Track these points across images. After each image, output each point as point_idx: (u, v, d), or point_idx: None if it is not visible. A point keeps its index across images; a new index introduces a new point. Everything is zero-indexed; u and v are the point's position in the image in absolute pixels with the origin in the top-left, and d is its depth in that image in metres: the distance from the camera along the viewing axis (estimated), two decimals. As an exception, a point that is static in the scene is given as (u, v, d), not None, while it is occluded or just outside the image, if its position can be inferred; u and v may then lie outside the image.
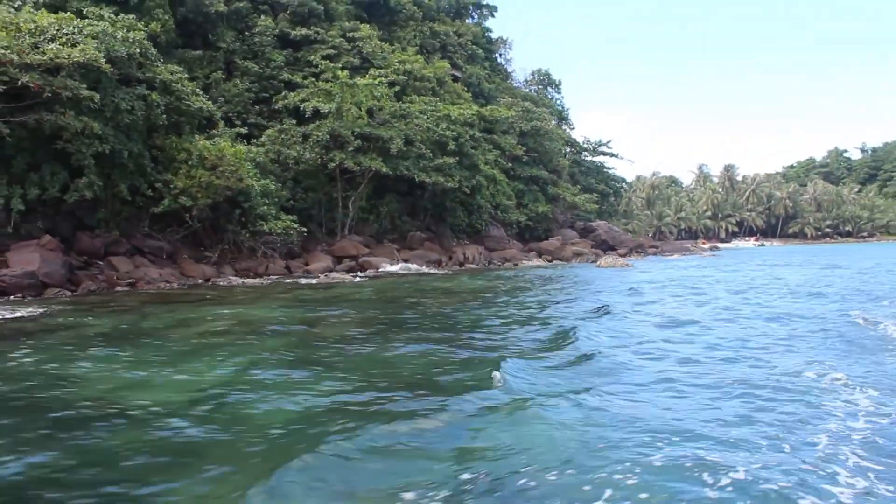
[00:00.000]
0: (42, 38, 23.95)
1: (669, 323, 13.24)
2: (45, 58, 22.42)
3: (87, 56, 22.97)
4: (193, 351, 9.91)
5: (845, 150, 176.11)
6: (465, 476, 4.63)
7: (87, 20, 26.29)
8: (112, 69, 24.90)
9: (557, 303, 18.48)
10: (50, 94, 22.71)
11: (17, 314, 15.61)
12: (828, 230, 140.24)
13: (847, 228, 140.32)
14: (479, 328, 12.82)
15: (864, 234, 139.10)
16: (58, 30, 24.43)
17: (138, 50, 27.21)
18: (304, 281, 28.10)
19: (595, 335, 11.06)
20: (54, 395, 7.04)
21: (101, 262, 26.06)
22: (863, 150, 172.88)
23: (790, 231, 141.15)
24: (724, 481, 4.44)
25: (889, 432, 5.65)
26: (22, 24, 23.34)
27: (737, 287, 23.79)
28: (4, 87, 21.84)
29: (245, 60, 37.90)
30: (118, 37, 26.41)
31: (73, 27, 24.81)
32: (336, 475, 4.58)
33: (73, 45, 24.00)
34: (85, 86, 23.70)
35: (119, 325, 13.03)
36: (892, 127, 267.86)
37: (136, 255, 27.57)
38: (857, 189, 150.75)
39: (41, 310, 16.40)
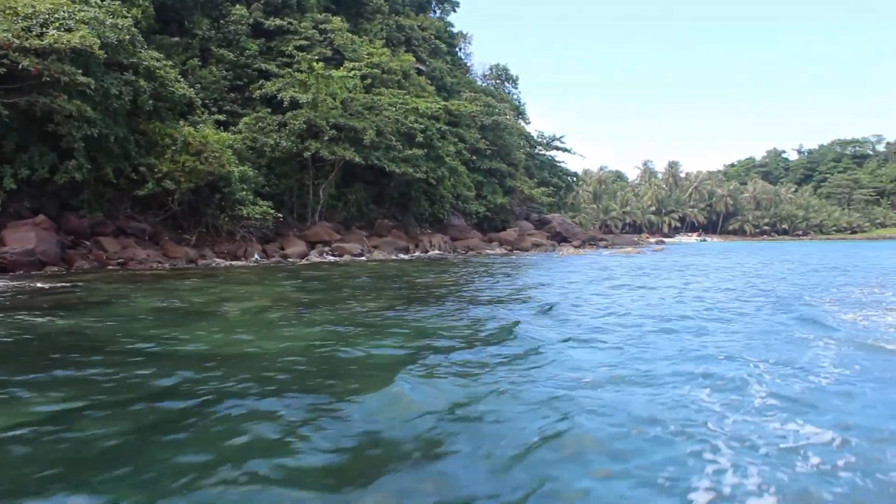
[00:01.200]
0: (34, 21, 24.70)
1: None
2: (44, 42, 23.23)
3: (86, 42, 23.82)
4: (260, 321, 11.35)
5: (783, 151, 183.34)
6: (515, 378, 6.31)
7: (77, 6, 26.96)
8: (104, 55, 25.77)
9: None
10: (48, 78, 23.55)
11: (49, 285, 16.73)
12: (766, 228, 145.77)
13: (784, 227, 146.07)
14: (491, 299, 14.48)
15: (799, 232, 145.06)
16: (50, 14, 25.16)
17: (127, 36, 28.05)
18: (291, 262, 29.45)
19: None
20: (191, 349, 8.46)
21: (87, 242, 26.92)
22: (800, 152, 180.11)
23: (730, 228, 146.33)
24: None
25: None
26: (20, 8, 24.00)
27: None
28: (4, 70, 22.68)
29: (220, 48, 38.74)
30: (107, 23, 27.22)
31: (66, 12, 25.56)
32: (428, 386, 6.22)
33: (68, 30, 24.81)
34: (81, 71, 24.58)
35: (162, 301, 14.21)
36: (828, 130, 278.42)
37: (120, 236, 28.45)
38: (793, 189, 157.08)
39: (65, 283, 17.50)
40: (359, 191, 41.15)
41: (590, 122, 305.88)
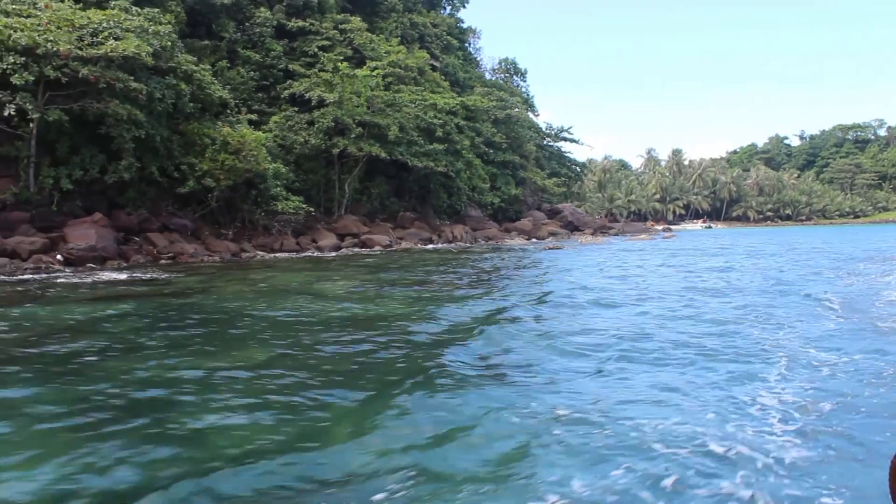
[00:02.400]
0: (86, 31, 26.25)
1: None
2: (101, 52, 24.81)
3: (141, 50, 25.44)
4: (361, 296, 13.07)
5: (785, 137, 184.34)
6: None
7: (123, 14, 28.50)
8: (151, 61, 27.38)
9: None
10: (104, 85, 25.15)
11: (133, 276, 18.43)
12: (769, 214, 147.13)
13: (787, 212, 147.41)
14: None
15: (803, 217, 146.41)
16: (101, 24, 26.71)
17: (169, 42, 29.63)
18: (328, 254, 31.17)
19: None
20: (331, 315, 10.17)
21: (136, 238, 28.58)
22: (801, 138, 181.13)
23: (734, 214, 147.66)
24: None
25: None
26: (76, 20, 25.55)
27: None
28: (66, 79, 24.30)
29: (246, 50, 40.28)
30: (150, 30, 28.80)
31: (114, 22, 27.12)
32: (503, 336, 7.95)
33: (116, 39, 26.39)
34: (132, 78, 26.20)
35: (256, 286, 15.88)
36: (829, 115, 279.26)
37: (164, 232, 30.09)
38: (796, 175, 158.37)
39: (156, 275, 19.22)
40: (381, 184, 42.77)
41: (591, 111, 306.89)
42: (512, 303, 11.54)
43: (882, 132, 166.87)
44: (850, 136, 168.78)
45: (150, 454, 4.44)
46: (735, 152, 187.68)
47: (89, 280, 17.95)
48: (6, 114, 23.79)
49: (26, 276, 19.74)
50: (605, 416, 5.18)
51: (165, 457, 4.41)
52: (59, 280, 18.29)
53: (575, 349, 7.68)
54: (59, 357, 7.55)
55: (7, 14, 25.21)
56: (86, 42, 25.47)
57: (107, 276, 19.02)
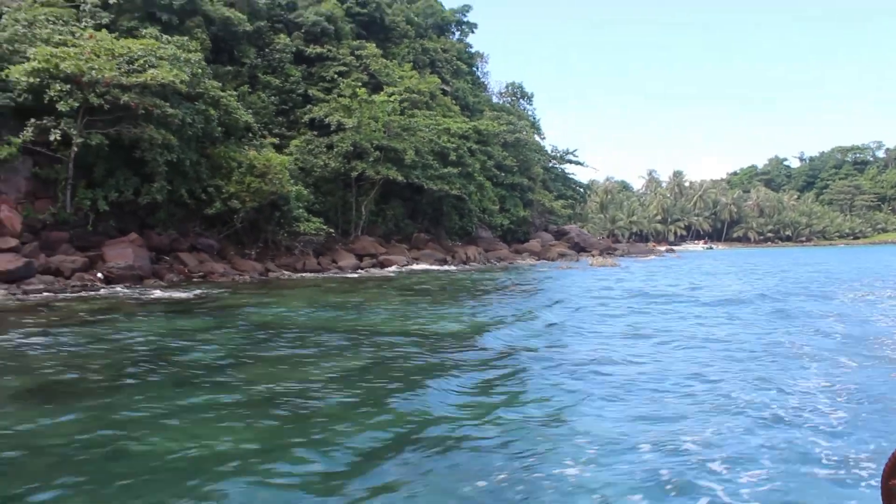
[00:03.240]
0: (122, 59, 27.47)
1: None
2: (141, 79, 26.04)
3: (178, 77, 26.69)
4: (416, 312, 14.25)
5: (785, 159, 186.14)
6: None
7: (157, 43, 29.78)
8: (185, 88, 28.64)
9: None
10: (143, 111, 26.36)
11: (186, 295, 19.54)
12: (770, 234, 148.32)
13: (787, 233, 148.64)
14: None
15: (803, 238, 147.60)
16: (136, 53, 27.92)
17: (199, 70, 30.90)
18: (352, 275, 32.44)
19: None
20: (393, 327, 11.32)
21: (167, 258, 29.68)
22: (801, 159, 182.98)
23: (735, 235, 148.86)
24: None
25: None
26: (117, 50, 26.80)
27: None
28: (108, 105, 25.52)
29: (266, 75, 41.59)
30: (182, 58, 30.07)
31: (149, 51, 28.37)
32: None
33: (152, 67, 27.63)
34: (168, 104, 27.44)
35: (304, 302, 17.11)
36: (828, 137, 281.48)
37: (193, 252, 31.18)
38: (796, 196, 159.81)
39: (197, 291, 20.31)
40: (396, 207, 43.95)
41: (591, 131, 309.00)
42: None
43: (881, 154, 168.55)
44: (849, 158, 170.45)
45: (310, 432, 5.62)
46: (735, 173, 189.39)
47: (145, 297, 19.09)
48: (52, 139, 24.95)
49: (78, 293, 20.84)
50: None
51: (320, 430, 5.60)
52: (118, 296, 19.41)
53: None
54: (197, 364, 8.77)
55: (54, 44, 26.47)
56: (125, 70, 26.69)
57: (157, 293, 20.14)
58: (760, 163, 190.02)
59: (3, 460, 5.20)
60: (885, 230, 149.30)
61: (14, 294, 20.36)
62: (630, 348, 10.30)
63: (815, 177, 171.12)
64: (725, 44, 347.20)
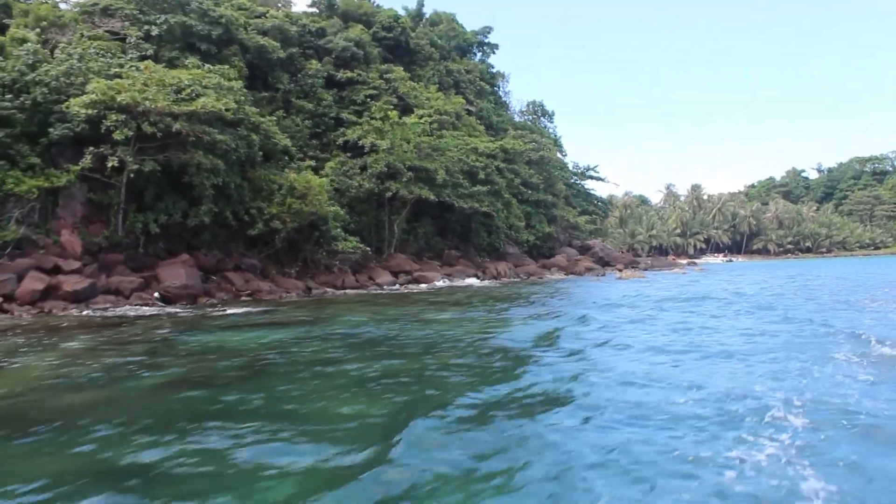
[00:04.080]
0: (170, 88, 28.83)
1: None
2: (192, 108, 27.38)
3: (228, 106, 28.05)
4: (488, 322, 15.36)
5: (803, 170, 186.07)
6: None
7: (202, 72, 31.17)
8: (231, 115, 29.99)
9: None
10: (194, 138, 27.70)
11: (256, 310, 20.78)
12: (789, 246, 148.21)
13: (807, 245, 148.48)
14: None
15: (823, 249, 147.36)
16: (179, 82, 29.27)
17: (242, 97, 32.26)
18: (392, 290, 33.67)
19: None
20: (471, 339, 12.48)
21: (214, 277, 30.88)
22: (819, 171, 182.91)
23: (754, 247, 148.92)
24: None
25: None
26: (167, 80, 28.18)
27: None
28: (161, 133, 26.86)
29: (299, 100, 42.98)
30: (225, 87, 31.44)
31: (196, 81, 29.75)
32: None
33: (198, 96, 28.98)
34: (217, 131, 28.77)
35: (371, 315, 18.45)
36: (846, 148, 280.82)
37: (237, 271, 32.37)
38: (815, 207, 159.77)
39: (261, 308, 21.51)
40: (426, 225, 45.12)
41: (608, 145, 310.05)
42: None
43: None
44: (867, 169, 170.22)
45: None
46: (753, 186, 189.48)
47: (215, 314, 20.30)
48: (109, 166, 26.27)
49: (139, 311, 22.06)
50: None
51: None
52: (187, 315, 20.61)
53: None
54: (320, 358, 10.25)
55: (108, 76, 27.91)
56: (174, 99, 28.04)
57: (229, 311, 21.35)
58: (778, 175, 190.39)
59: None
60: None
61: (90, 312, 21.66)
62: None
63: (833, 188, 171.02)
64: (737, 56, 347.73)
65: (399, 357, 11.27)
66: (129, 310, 23.05)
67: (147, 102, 26.43)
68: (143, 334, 15.48)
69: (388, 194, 39.84)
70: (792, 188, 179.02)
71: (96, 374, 10.18)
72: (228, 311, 21.17)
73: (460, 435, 6.48)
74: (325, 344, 13.16)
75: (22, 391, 9.01)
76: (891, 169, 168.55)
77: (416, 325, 15.97)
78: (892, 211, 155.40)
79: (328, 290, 33.11)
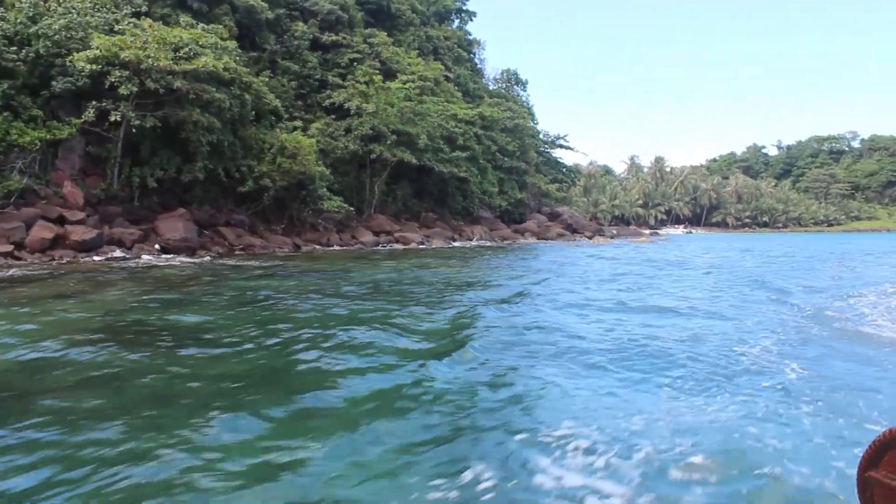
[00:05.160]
0: (169, 46, 29.62)
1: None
2: (192, 66, 28.29)
3: (227, 66, 29.00)
4: (486, 270, 16.98)
5: (763, 147, 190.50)
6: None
7: (200, 33, 31.92)
8: (228, 75, 30.91)
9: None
10: (194, 96, 28.65)
11: (263, 263, 22.23)
12: (747, 220, 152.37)
13: (764, 219, 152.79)
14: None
15: (779, 225, 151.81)
16: (180, 41, 30.06)
17: (237, 57, 33.12)
18: (379, 249, 35.42)
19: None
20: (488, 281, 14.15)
21: (207, 232, 31.98)
22: (779, 147, 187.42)
23: (714, 220, 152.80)
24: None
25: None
26: (169, 39, 28.97)
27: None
28: (163, 90, 27.77)
29: (285, 61, 43.74)
30: (220, 47, 32.26)
31: (194, 40, 30.54)
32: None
33: (196, 55, 29.83)
34: (216, 90, 29.71)
35: (379, 268, 20.24)
36: (806, 126, 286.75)
37: (228, 227, 33.49)
38: (773, 183, 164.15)
39: (266, 262, 22.91)
40: (405, 187, 46.47)
41: (573, 116, 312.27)
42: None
43: (856, 144, 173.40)
44: (825, 147, 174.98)
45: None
46: (715, 160, 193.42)
47: (229, 263, 21.71)
48: (111, 120, 27.19)
49: (159, 262, 23.29)
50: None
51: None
52: (201, 264, 21.92)
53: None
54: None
55: (114, 33, 28.66)
56: (174, 58, 28.87)
57: (231, 262, 22.74)
58: (739, 150, 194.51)
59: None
60: (858, 218, 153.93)
61: (110, 259, 22.87)
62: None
63: (791, 165, 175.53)
64: (703, 31, 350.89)
65: (438, 288, 14.29)
66: (137, 259, 24.25)
67: (150, 60, 27.26)
68: (199, 277, 17.04)
69: (373, 156, 41.04)
70: (752, 164, 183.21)
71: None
72: (239, 264, 22.46)
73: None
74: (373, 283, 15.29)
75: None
76: (847, 149, 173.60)
77: (432, 271, 18.30)
78: (846, 189, 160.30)
79: (316, 246, 34.46)
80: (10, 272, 18.08)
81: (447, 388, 6.20)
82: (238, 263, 22.55)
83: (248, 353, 7.86)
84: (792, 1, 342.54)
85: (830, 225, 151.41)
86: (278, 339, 8.66)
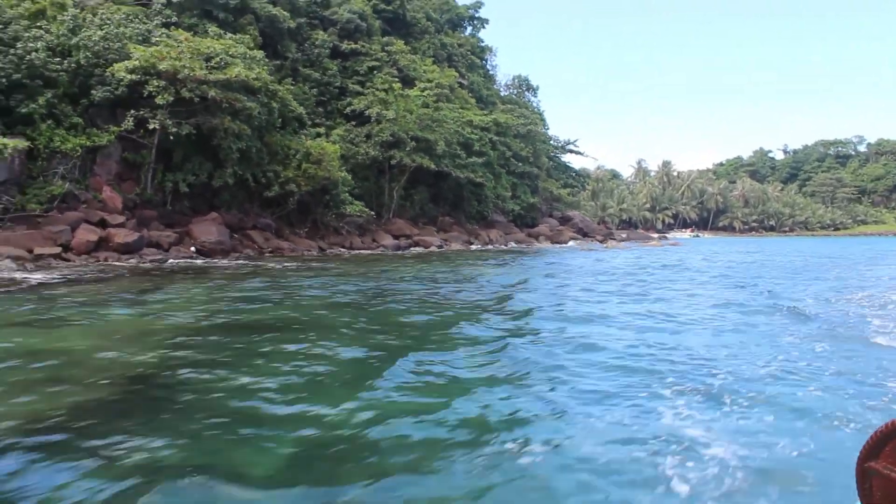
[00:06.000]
0: (200, 56, 30.82)
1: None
2: (225, 76, 29.50)
3: (259, 76, 30.23)
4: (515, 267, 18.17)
5: (770, 151, 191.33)
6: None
7: (231, 43, 33.12)
8: (258, 84, 32.13)
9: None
10: (227, 105, 29.86)
11: (299, 265, 23.48)
12: (754, 224, 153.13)
13: (771, 223, 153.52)
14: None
15: (786, 229, 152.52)
16: (213, 51, 31.26)
17: (265, 67, 34.33)
18: (400, 252, 36.68)
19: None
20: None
21: (236, 235, 33.16)
22: (785, 152, 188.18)
23: (720, 224, 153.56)
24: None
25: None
26: (203, 49, 30.18)
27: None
28: (198, 99, 28.97)
29: (306, 68, 44.95)
30: (248, 56, 33.47)
31: (224, 50, 31.75)
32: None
33: (226, 65, 31.03)
34: (247, 98, 30.93)
35: (426, 269, 21.63)
36: (812, 131, 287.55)
37: (255, 230, 34.66)
38: (780, 187, 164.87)
39: (300, 264, 24.09)
40: (422, 192, 47.63)
41: (581, 120, 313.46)
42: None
43: (862, 148, 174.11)
44: (831, 152, 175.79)
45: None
46: (721, 164, 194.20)
47: (269, 265, 22.94)
48: (150, 128, 28.44)
49: (202, 263, 24.48)
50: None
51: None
52: (243, 265, 23.11)
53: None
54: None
55: (148, 43, 29.91)
56: (207, 67, 30.07)
57: (271, 265, 23.88)
58: (746, 154, 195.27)
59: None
60: (864, 222, 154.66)
61: (147, 262, 24.08)
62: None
63: (798, 169, 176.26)
64: (712, 36, 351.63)
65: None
66: (176, 260, 25.44)
67: (185, 70, 28.49)
68: (256, 276, 18.31)
69: (392, 162, 42.23)
70: (758, 168, 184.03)
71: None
72: (276, 266, 23.66)
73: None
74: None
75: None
76: (853, 153, 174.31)
77: (472, 270, 19.57)
78: (852, 193, 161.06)
79: (341, 249, 35.61)
80: (99, 273, 19.26)
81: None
82: (279, 266, 23.69)
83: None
84: (806, 6, 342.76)
85: (837, 229, 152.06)
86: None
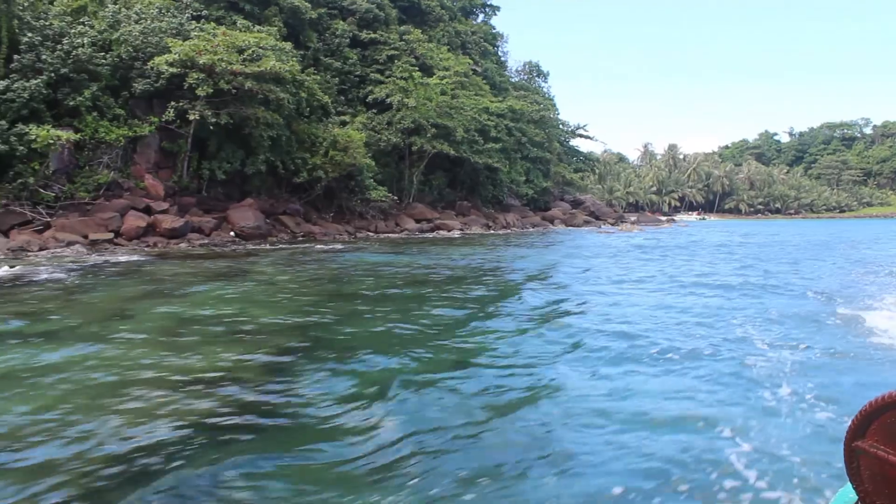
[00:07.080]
0: (234, 49, 32.12)
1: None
2: (260, 68, 30.83)
3: (291, 68, 31.57)
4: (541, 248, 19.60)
5: (775, 133, 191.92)
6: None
7: (263, 36, 34.39)
8: (290, 75, 33.46)
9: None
10: (262, 95, 31.22)
11: (340, 247, 25.08)
12: (760, 207, 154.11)
13: (777, 206, 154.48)
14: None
15: (792, 211, 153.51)
16: (247, 44, 32.55)
17: (294, 59, 35.63)
18: (425, 235, 38.24)
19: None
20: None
21: (268, 220, 34.56)
22: (791, 134, 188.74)
23: (726, 207, 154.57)
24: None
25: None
26: (238, 42, 31.49)
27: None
28: (235, 91, 30.32)
29: (327, 58, 46.18)
30: (278, 48, 34.76)
31: (256, 43, 33.03)
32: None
33: (259, 58, 32.33)
34: (279, 89, 32.27)
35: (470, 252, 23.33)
36: (818, 113, 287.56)
37: (286, 215, 36.06)
38: (785, 170, 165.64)
39: (339, 245, 25.56)
40: (440, 177, 48.99)
41: (587, 103, 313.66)
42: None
43: (868, 130, 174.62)
44: (837, 134, 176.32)
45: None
46: (727, 147, 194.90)
47: (316, 248, 24.52)
48: (190, 118, 29.80)
49: (231, 247, 25.95)
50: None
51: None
52: (288, 248, 24.60)
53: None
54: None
55: (182, 36, 31.25)
56: (241, 60, 31.38)
57: (319, 246, 25.48)
58: (751, 137, 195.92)
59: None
60: (869, 204, 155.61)
61: (196, 247, 25.59)
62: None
63: (804, 151, 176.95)
64: (715, 17, 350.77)
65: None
66: (222, 245, 26.91)
67: (223, 63, 29.83)
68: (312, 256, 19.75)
69: (413, 148, 43.58)
70: (764, 150, 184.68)
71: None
72: (322, 247, 25.18)
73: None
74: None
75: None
76: (859, 135, 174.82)
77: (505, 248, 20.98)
78: (858, 176, 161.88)
79: (368, 233, 37.04)
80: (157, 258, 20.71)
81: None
82: (325, 248, 25.19)
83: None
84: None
85: (842, 211, 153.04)
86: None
